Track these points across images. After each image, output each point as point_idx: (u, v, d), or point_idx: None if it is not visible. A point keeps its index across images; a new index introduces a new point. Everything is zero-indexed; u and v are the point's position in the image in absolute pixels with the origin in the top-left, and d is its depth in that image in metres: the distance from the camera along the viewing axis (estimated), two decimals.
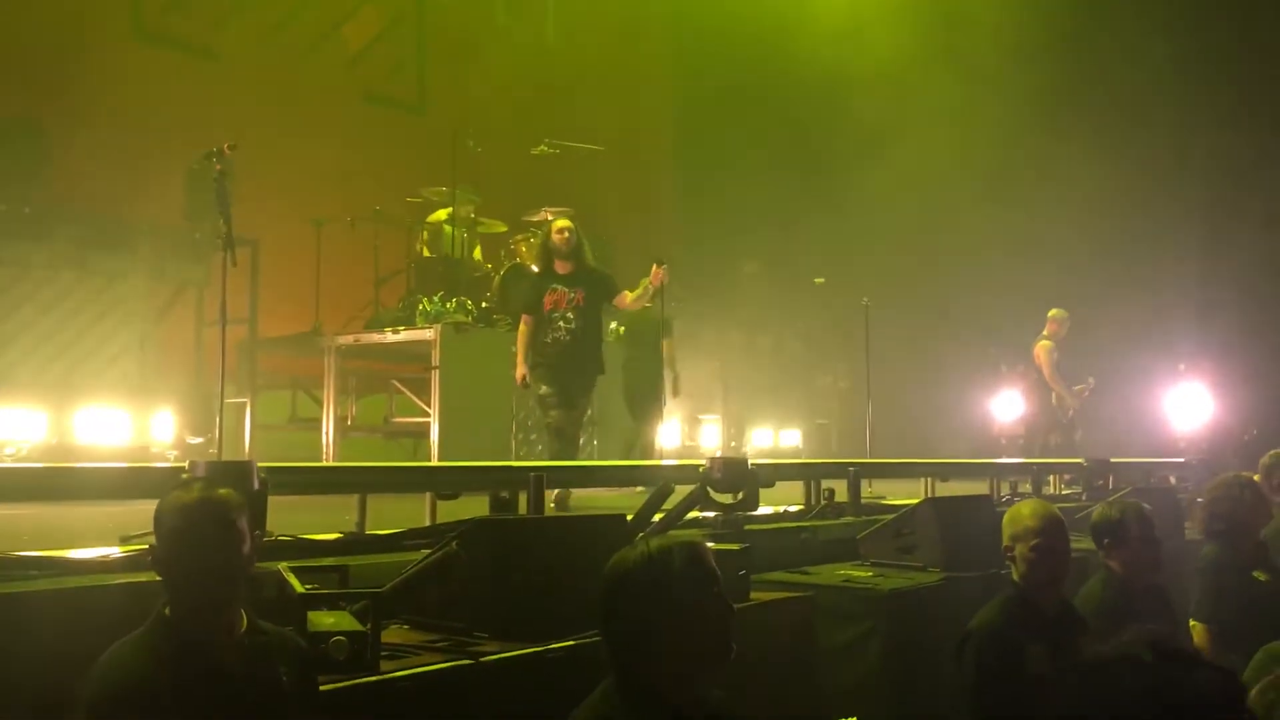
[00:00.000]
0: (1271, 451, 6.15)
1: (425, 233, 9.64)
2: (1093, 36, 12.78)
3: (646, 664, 2.20)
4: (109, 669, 2.25)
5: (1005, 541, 3.62)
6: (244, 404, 9.30)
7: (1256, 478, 5.59)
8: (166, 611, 2.36)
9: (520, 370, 7.46)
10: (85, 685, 2.22)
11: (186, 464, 3.49)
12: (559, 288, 7.41)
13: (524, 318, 7.50)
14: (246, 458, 8.01)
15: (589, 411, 7.82)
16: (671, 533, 2.54)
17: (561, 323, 7.35)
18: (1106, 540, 4.34)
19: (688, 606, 2.20)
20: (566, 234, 7.45)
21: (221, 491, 2.45)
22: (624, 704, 2.19)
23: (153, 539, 2.41)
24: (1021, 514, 3.65)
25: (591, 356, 7.51)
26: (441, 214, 9.62)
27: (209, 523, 2.38)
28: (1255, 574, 4.73)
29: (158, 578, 3.24)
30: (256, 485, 3.40)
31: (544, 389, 7.34)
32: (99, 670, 2.24)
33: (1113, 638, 3.96)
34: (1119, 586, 4.24)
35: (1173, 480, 8.77)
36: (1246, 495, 4.87)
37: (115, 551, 3.54)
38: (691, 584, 2.22)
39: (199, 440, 8.20)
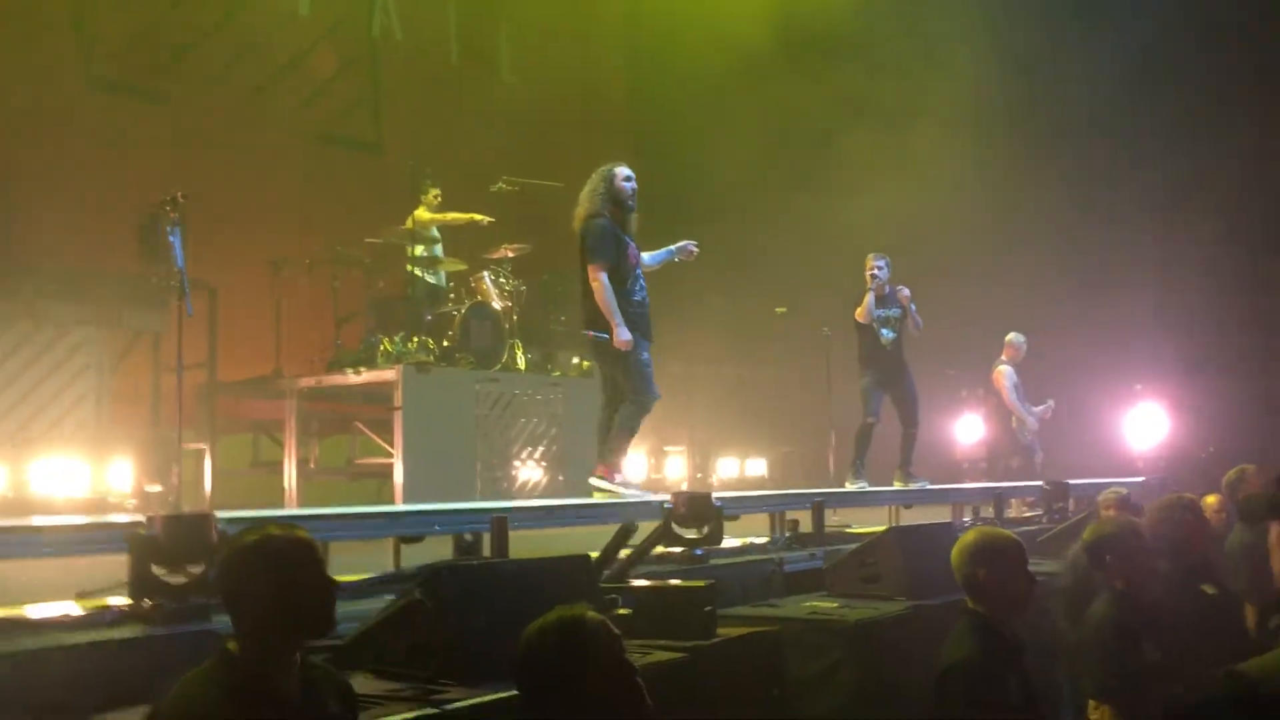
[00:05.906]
0: (1235, 468, 6.27)
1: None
2: (1048, 58, 12.99)
3: None
4: (177, 702, 2.28)
5: (966, 570, 3.57)
6: (203, 450, 9.19)
7: (1212, 499, 5.69)
8: (231, 646, 2.39)
9: (622, 331, 6.28)
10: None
11: (144, 519, 3.44)
12: (631, 244, 6.54)
13: (603, 274, 6.35)
14: (207, 504, 7.96)
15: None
16: (563, 609, 2.69)
17: (641, 283, 6.54)
18: (1109, 557, 4.11)
19: (562, 682, 2.55)
20: (634, 183, 6.51)
21: (305, 534, 2.51)
22: None
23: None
24: (978, 541, 3.58)
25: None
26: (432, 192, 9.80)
27: (306, 562, 2.45)
28: (1203, 587, 4.80)
29: (116, 636, 3.22)
30: (215, 538, 3.37)
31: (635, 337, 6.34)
32: (164, 706, 2.29)
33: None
34: (1128, 604, 4.04)
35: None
36: (1186, 517, 4.92)
37: (73, 609, 3.49)
38: (563, 661, 2.56)
39: (158, 488, 8.09)
